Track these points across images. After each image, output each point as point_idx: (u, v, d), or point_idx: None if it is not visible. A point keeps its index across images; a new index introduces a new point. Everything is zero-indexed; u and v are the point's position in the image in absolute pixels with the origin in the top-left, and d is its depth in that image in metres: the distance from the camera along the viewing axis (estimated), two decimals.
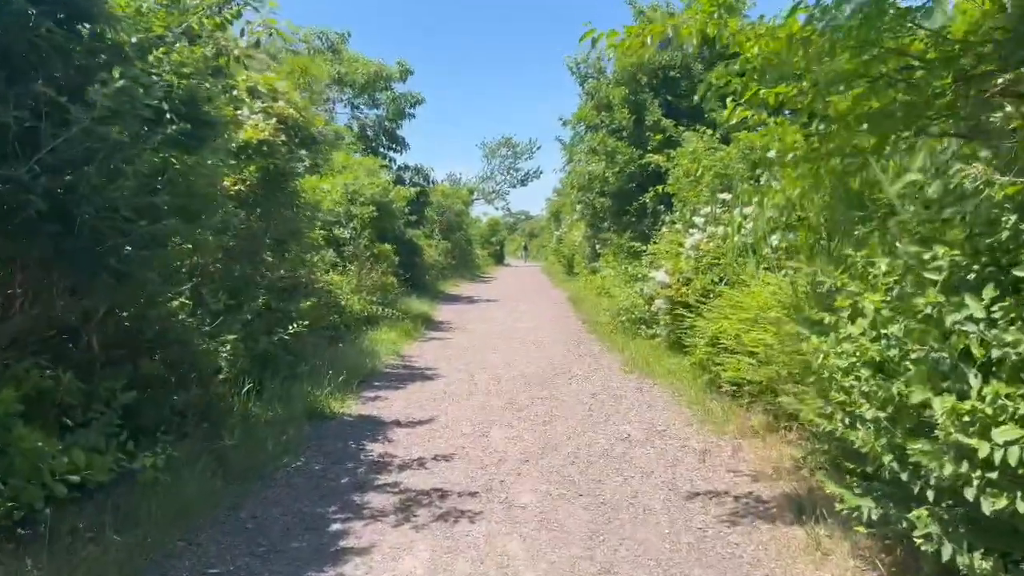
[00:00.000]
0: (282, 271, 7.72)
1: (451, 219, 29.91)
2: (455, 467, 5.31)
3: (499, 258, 50.99)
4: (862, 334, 3.40)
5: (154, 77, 4.26)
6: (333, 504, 4.60)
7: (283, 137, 7.44)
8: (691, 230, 8.85)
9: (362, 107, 19.05)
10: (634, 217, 12.19)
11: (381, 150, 19.42)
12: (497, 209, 56.59)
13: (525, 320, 14.76)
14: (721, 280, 7.94)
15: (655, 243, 10.31)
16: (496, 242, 51.78)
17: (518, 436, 6.10)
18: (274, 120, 7.43)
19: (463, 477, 5.07)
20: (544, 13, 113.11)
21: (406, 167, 19.93)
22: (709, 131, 10.45)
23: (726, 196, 8.69)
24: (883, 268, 3.33)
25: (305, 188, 9.44)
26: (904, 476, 3.01)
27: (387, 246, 15.77)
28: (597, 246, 22.21)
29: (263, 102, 7.79)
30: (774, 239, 7.48)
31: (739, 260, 7.74)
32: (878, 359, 3.22)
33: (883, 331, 3.22)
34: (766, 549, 3.83)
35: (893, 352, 3.12)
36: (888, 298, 3.24)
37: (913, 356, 2.98)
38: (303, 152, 8.35)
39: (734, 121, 5.04)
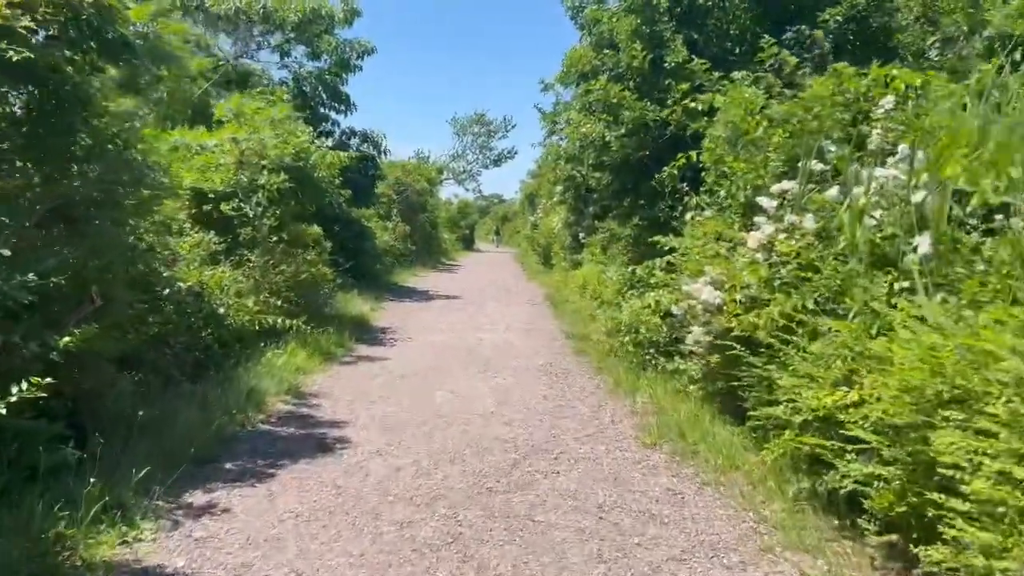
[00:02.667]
0: (29, 277, 4.16)
1: (413, 199, 26.37)
2: None
3: (468, 243, 47.52)
4: None
5: None
6: None
7: (27, 21, 3.92)
8: (757, 218, 5.52)
9: (297, 56, 15.41)
10: (643, 199, 8.86)
11: (322, 110, 15.81)
12: (468, 191, 53.18)
13: (492, 329, 11.38)
14: (821, 307, 4.64)
15: (686, 235, 7.00)
16: (466, 226, 48.32)
17: None
18: None
19: None
20: None
21: (351, 132, 16.33)
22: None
23: (819, 166, 5.40)
24: None
25: (148, 139, 5.94)
26: None
27: (315, 228, 12.29)
28: (580, 235, 18.88)
29: None
30: (924, 241, 4.24)
31: (859, 272, 4.45)
32: None
33: None
34: None
35: None
36: None
37: None
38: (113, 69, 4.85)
39: None
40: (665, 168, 8.02)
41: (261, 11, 13.88)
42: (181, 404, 5.66)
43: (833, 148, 5.52)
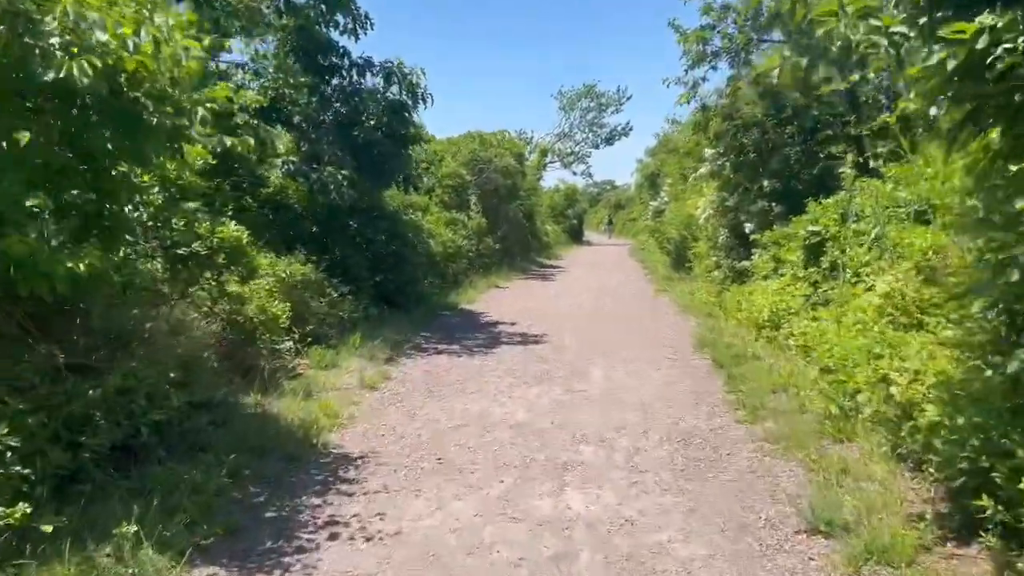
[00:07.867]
0: None
1: (496, 181, 19.86)
2: None
3: (577, 235, 40.64)
4: None
5: None
6: None
7: None
8: None
9: None
10: None
11: (320, 28, 9.54)
12: (576, 174, 45.98)
13: (600, 469, 4.66)
14: None
15: None
16: (573, 215, 41.40)
17: None
18: None
19: None
20: None
21: (366, 64, 9.94)
22: None
23: None
24: None
25: None
26: None
27: (226, 227, 5.97)
28: (747, 226, 11.64)
29: None
30: None
31: None
32: None
33: None
34: None
35: None
36: None
37: None
38: None
39: None
40: None
41: None
42: None
43: None
